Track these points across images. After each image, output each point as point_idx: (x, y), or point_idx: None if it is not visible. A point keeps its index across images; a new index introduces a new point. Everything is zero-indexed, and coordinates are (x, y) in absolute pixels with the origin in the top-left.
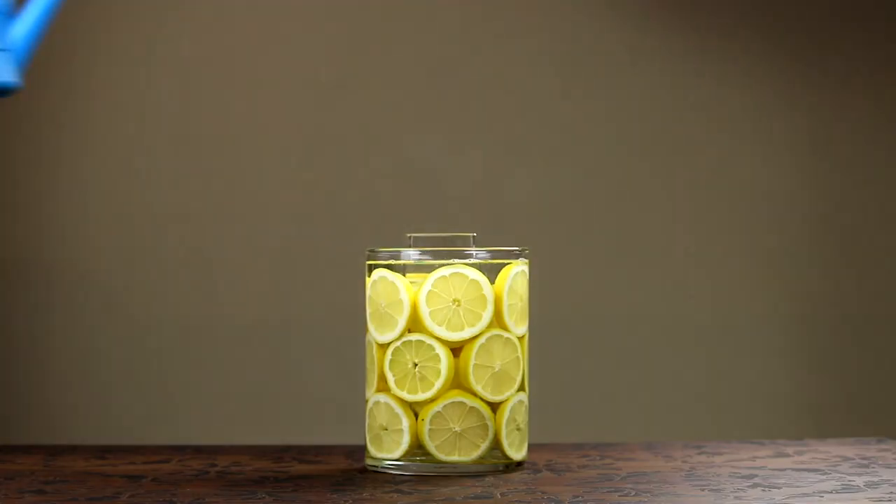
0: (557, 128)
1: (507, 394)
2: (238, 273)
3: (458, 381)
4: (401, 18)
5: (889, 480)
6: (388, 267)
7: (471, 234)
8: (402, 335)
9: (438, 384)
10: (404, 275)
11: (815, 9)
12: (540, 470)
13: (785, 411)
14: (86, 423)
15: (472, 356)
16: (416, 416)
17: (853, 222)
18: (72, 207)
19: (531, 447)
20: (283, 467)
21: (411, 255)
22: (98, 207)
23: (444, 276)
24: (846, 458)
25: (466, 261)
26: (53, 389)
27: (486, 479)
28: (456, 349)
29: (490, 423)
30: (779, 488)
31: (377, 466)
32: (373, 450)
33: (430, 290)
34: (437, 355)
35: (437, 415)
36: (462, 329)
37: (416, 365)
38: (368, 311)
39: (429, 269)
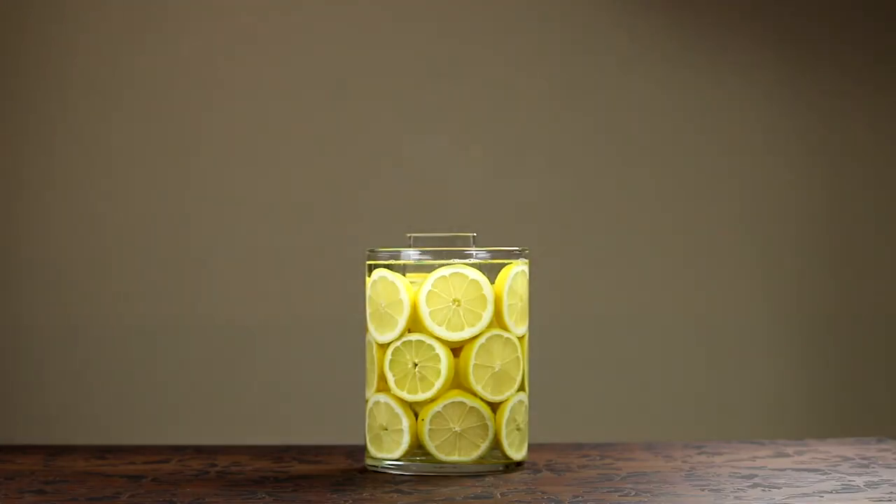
0: (558, 128)
1: (507, 394)
2: (238, 273)
3: (458, 381)
4: (401, 19)
5: (889, 480)
6: (388, 267)
7: (471, 234)
8: (402, 335)
9: (438, 384)
10: (404, 275)
11: (815, 9)
12: (540, 470)
13: (785, 411)
14: (86, 423)
15: (472, 356)
16: (416, 416)
17: (853, 223)
18: (73, 207)
19: (531, 447)
20: (283, 467)
21: (411, 255)
22: (99, 208)
23: (444, 276)
24: (846, 458)
25: (466, 261)
26: (53, 389)
27: (486, 479)
28: (456, 349)
29: (490, 423)
30: (779, 488)
31: (377, 466)
32: (373, 450)
33: (430, 290)
34: (437, 355)
35: (437, 415)
36: (462, 329)
37: (416, 365)
38: (368, 311)
39: (429, 269)
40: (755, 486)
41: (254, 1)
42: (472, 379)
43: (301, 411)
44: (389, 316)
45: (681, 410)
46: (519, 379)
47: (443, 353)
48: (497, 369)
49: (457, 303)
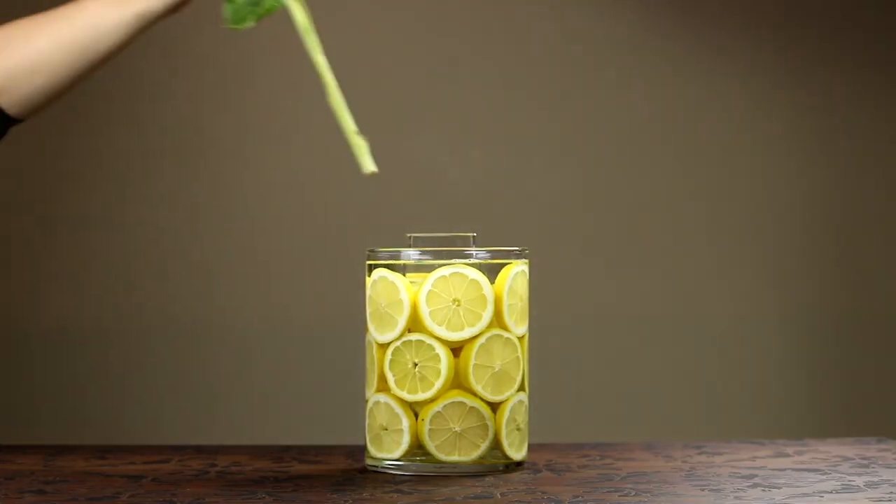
0: (558, 128)
1: (507, 394)
2: (238, 273)
3: (458, 381)
4: (401, 19)
5: (889, 480)
6: (388, 267)
7: (471, 234)
8: (402, 335)
9: (438, 384)
10: (404, 275)
11: (817, 9)
12: (540, 470)
13: (785, 411)
14: (86, 423)
15: (472, 356)
16: (416, 416)
17: (853, 224)
18: (74, 208)
19: (531, 447)
20: (283, 467)
21: (411, 255)
22: (100, 209)
23: (444, 276)
24: (846, 458)
25: (466, 261)
26: (53, 389)
27: (486, 479)
28: (456, 349)
29: (490, 423)
30: (779, 488)
31: (377, 466)
32: (373, 450)
33: (430, 290)
34: (437, 355)
35: (437, 415)
36: (462, 329)
37: (416, 365)
38: (368, 311)
39: (429, 269)
40: (755, 486)
41: None
42: (472, 379)
43: (301, 411)
44: (389, 316)
45: (681, 410)
46: (519, 379)
47: (443, 353)
48: (497, 369)
49: (457, 303)
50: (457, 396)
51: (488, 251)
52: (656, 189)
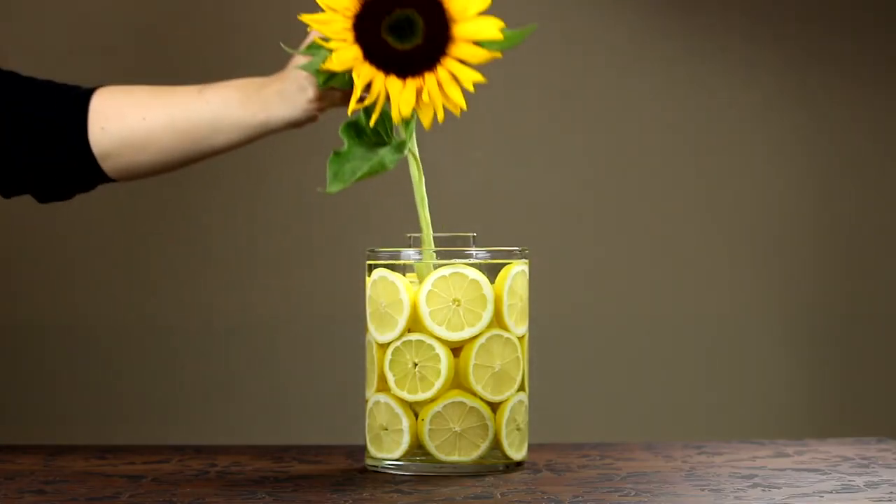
0: (558, 128)
1: (507, 394)
2: (238, 273)
3: (458, 381)
4: None
5: (889, 480)
6: (388, 267)
7: (471, 234)
8: (402, 335)
9: (438, 384)
10: (404, 275)
11: (820, 8)
12: (540, 470)
13: (785, 411)
14: (86, 423)
15: (472, 356)
16: (416, 416)
17: (853, 223)
18: (75, 208)
19: (531, 447)
20: (283, 467)
21: (411, 255)
22: (101, 208)
23: (444, 276)
24: (846, 458)
25: (466, 261)
26: (53, 389)
27: (486, 479)
28: (456, 349)
29: (490, 423)
30: (779, 488)
31: (377, 466)
32: (373, 450)
33: (430, 290)
34: (437, 355)
35: (437, 415)
36: (462, 329)
37: (416, 365)
38: (368, 311)
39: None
40: (755, 486)
41: (254, 1)
42: (472, 379)
43: (301, 411)
44: (389, 316)
45: (681, 410)
46: (519, 379)
47: (443, 353)
48: (497, 369)
49: (457, 303)
50: (457, 396)
51: (488, 251)
52: (656, 189)
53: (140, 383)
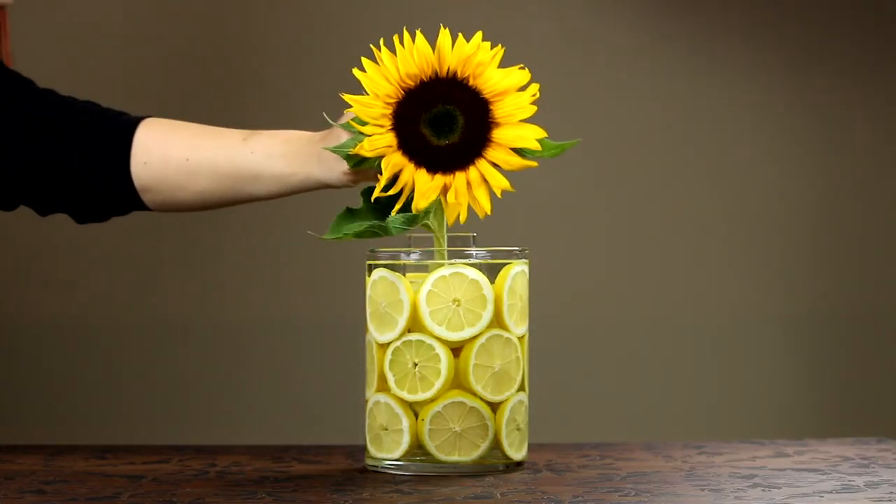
0: (558, 128)
1: (507, 394)
2: (238, 273)
3: (458, 381)
4: (400, 19)
5: (889, 480)
6: (388, 267)
7: (471, 234)
8: (402, 335)
9: (438, 384)
10: (404, 275)
11: (823, 7)
12: (540, 470)
13: (785, 411)
14: (86, 423)
15: (472, 356)
16: (416, 416)
17: (853, 223)
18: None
19: (531, 447)
20: (283, 467)
21: (411, 255)
22: None
23: (444, 276)
24: (846, 458)
25: (466, 261)
26: (53, 389)
27: (486, 479)
28: (456, 349)
29: (490, 423)
30: (779, 488)
31: (377, 466)
32: (373, 450)
33: (430, 290)
34: (437, 355)
35: (437, 415)
36: (462, 329)
37: (416, 365)
38: (368, 311)
39: (428, 268)
40: (755, 486)
41: (253, 1)
42: (472, 379)
43: (301, 411)
44: (389, 316)
45: (681, 410)
46: (519, 379)
47: (443, 352)
48: (497, 369)
49: (457, 303)
50: (457, 396)
51: (488, 251)
52: (657, 189)
53: (140, 383)
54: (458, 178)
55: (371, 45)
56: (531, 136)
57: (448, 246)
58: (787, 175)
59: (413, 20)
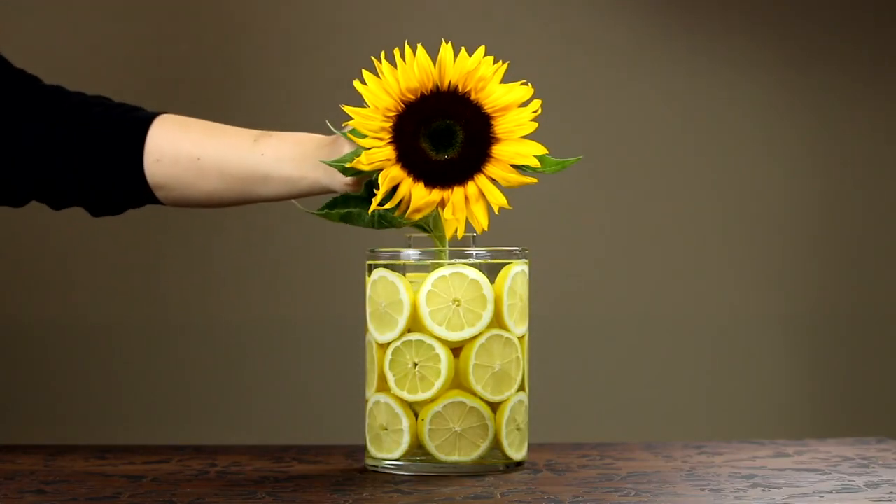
0: (558, 128)
1: (507, 394)
2: (238, 273)
3: (458, 381)
4: (400, 19)
5: (889, 480)
6: (388, 267)
7: (471, 234)
8: (402, 335)
9: (438, 384)
10: (404, 275)
11: (824, 6)
12: (540, 470)
13: (785, 411)
14: (86, 423)
15: (472, 356)
16: (416, 416)
17: (854, 223)
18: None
19: (531, 447)
20: (283, 467)
21: (411, 255)
22: None
23: (443, 276)
24: (846, 458)
25: (466, 261)
26: (53, 389)
27: (486, 479)
28: (456, 349)
29: (490, 423)
30: (779, 488)
31: (377, 466)
32: (373, 450)
33: (430, 290)
34: (437, 355)
35: (437, 415)
36: (462, 329)
37: (416, 365)
38: (368, 311)
39: (429, 268)
40: (755, 486)
41: (253, 1)
42: (472, 379)
43: (301, 411)
44: (389, 316)
45: (681, 410)
46: (519, 379)
47: (443, 353)
48: (497, 369)
49: (457, 303)
50: (457, 396)
51: (488, 251)
52: (656, 189)
53: (140, 383)
54: (456, 193)
55: (372, 58)
56: (531, 153)
57: (448, 246)
58: (787, 175)
59: (409, 16)
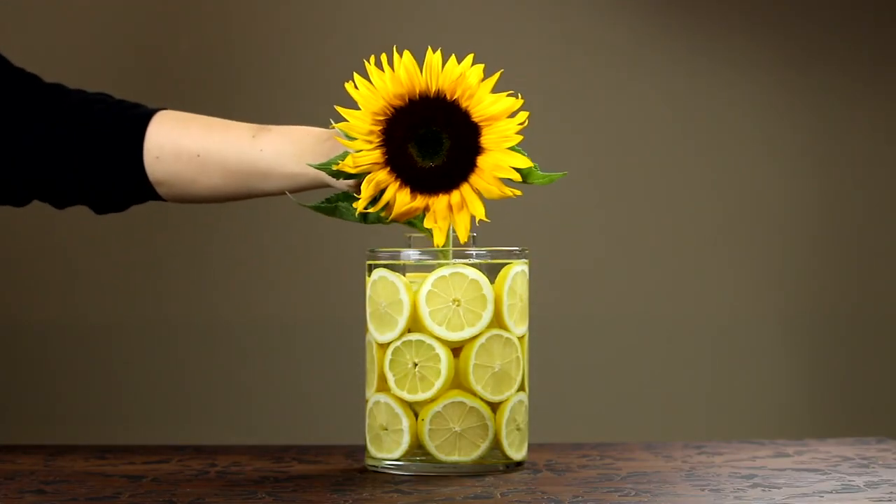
0: (558, 128)
1: (507, 394)
2: (238, 273)
3: (458, 381)
4: (399, 18)
5: (889, 480)
6: (388, 267)
7: (471, 234)
8: (402, 335)
9: (438, 384)
10: (404, 275)
11: (824, 6)
12: (540, 470)
13: (785, 411)
14: (86, 423)
15: (472, 356)
16: (416, 416)
17: (854, 223)
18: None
19: (531, 447)
20: (283, 467)
21: (411, 255)
22: None
23: (443, 276)
24: (846, 458)
25: (466, 261)
26: (53, 389)
27: (486, 479)
28: (456, 349)
29: (490, 423)
30: (779, 488)
31: (377, 466)
32: (373, 450)
33: (430, 290)
34: (437, 355)
35: (437, 415)
36: (462, 329)
37: (416, 365)
38: (368, 311)
39: (429, 269)
40: (755, 486)
41: (253, 2)
42: (472, 379)
43: (301, 411)
44: (389, 316)
45: (681, 410)
46: (519, 379)
47: (443, 353)
48: (497, 369)
49: (457, 303)
50: (457, 396)
51: (488, 251)
52: (657, 189)
53: (140, 383)
54: (440, 201)
55: (364, 60)
56: (516, 165)
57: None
58: (787, 175)
59: (409, 16)
